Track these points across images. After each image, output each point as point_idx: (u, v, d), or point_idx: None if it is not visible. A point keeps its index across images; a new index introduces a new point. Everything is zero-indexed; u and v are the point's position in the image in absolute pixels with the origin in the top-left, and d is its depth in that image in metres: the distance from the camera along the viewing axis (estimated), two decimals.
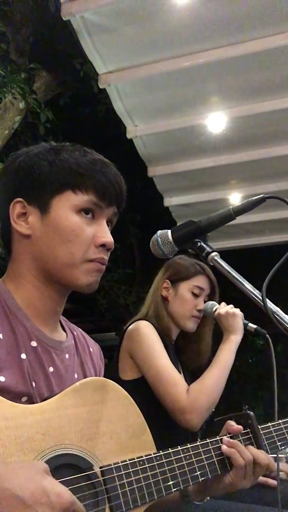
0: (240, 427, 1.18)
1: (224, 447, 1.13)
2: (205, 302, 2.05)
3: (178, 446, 1.08)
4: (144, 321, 1.93)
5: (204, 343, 2.10)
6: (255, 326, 1.91)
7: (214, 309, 1.98)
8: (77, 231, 1.04)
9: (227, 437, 1.16)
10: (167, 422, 1.79)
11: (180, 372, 1.94)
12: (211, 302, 2.02)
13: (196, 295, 2.02)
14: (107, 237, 1.07)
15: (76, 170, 1.06)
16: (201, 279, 2.04)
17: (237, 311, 1.93)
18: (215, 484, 1.15)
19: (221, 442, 1.15)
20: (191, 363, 2.10)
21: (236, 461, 1.12)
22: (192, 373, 2.04)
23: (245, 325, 1.92)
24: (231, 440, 1.15)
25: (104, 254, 1.08)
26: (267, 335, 1.79)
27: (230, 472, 1.13)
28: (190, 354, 2.10)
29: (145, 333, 1.88)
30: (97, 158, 1.09)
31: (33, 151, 1.09)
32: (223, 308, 1.95)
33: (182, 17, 2.86)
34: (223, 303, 1.99)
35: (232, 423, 1.19)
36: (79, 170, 1.06)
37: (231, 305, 1.97)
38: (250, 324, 1.93)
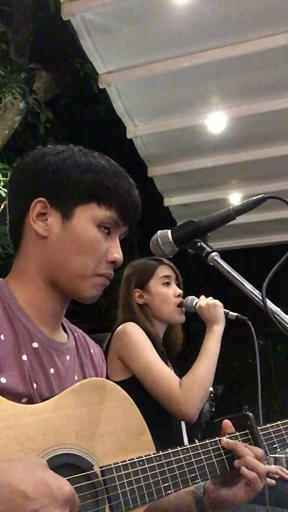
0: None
1: (237, 462, 1.11)
2: (181, 291, 2.08)
3: (178, 447, 1.08)
4: (131, 322, 1.96)
5: (175, 331, 2.15)
6: (235, 314, 1.98)
7: (194, 303, 2.02)
8: (95, 244, 1.05)
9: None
10: (160, 421, 1.80)
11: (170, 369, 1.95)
12: (190, 297, 2.06)
13: (167, 284, 2.06)
14: (119, 254, 1.09)
15: (104, 183, 1.06)
16: (162, 269, 2.07)
17: (217, 301, 1.98)
18: (228, 498, 1.14)
19: (220, 443, 1.14)
20: (172, 352, 2.14)
21: (247, 475, 1.09)
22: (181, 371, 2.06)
23: (226, 314, 1.98)
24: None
25: (112, 270, 1.10)
26: (249, 321, 1.84)
27: (237, 489, 1.12)
28: (169, 344, 2.14)
29: (132, 332, 1.91)
30: (124, 174, 1.11)
31: (63, 153, 1.08)
32: (203, 300, 1.99)
33: (182, 17, 2.86)
34: (202, 296, 2.03)
35: (229, 424, 1.18)
36: (108, 185, 1.06)
37: (211, 297, 2.02)
38: (231, 313, 1.99)
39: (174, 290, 2.06)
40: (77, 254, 1.04)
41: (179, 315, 2.05)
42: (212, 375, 1.85)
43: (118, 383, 1.81)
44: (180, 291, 2.06)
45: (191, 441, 1.98)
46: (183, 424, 2.04)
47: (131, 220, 1.12)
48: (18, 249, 1.10)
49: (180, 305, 2.04)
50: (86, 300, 1.09)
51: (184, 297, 2.07)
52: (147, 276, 2.06)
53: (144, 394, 1.81)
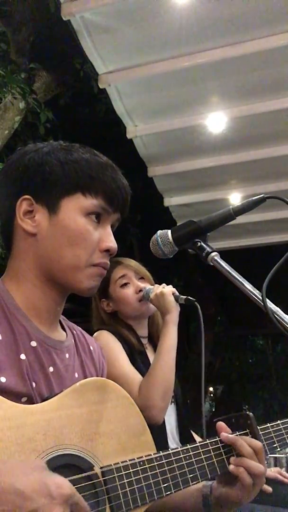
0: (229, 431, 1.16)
1: (231, 467, 1.10)
2: (143, 285, 2.03)
3: (178, 447, 1.08)
4: (102, 331, 1.95)
5: (153, 318, 2.10)
6: (184, 297, 1.90)
7: (150, 294, 1.96)
8: (84, 234, 1.04)
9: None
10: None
11: None
12: (147, 288, 1.99)
13: (125, 284, 2.01)
14: (112, 243, 1.08)
15: (87, 173, 1.06)
16: (117, 271, 2.03)
17: (165, 289, 1.91)
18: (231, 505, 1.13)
19: (220, 443, 1.14)
20: (155, 338, 2.10)
21: (244, 480, 1.09)
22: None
23: (176, 299, 1.90)
24: (237, 458, 1.11)
25: (107, 259, 1.09)
26: (196, 303, 1.79)
27: (237, 491, 1.11)
28: (153, 334, 2.11)
29: (103, 340, 1.87)
30: (107, 162, 1.10)
31: (43, 149, 1.08)
32: (154, 291, 1.93)
33: (182, 17, 2.86)
34: (156, 286, 1.97)
35: (225, 434, 1.14)
36: (91, 173, 1.06)
37: (163, 284, 1.95)
38: (181, 296, 1.91)
39: (134, 287, 2.01)
40: (68, 247, 1.04)
41: (145, 308, 2.00)
42: (172, 370, 1.81)
43: None
44: (142, 286, 2.00)
45: (184, 439, 1.97)
46: (172, 426, 2.01)
47: (121, 206, 1.11)
48: (11, 250, 1.10)
49: (141, 299, 1.99)
50: (84, 292, 1.08)
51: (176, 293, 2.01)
52: (105, 283, 2.01)
53: None
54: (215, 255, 1.16)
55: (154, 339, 2.10)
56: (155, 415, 1.75)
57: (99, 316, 2.08)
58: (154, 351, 2.07)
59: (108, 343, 1.88)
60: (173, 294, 1.91)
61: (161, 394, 1.77)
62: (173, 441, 1.98)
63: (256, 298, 1.10)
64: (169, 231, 1.20)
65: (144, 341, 2.07)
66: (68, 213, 1.04)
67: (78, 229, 1.04)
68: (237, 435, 1.15)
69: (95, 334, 1.94)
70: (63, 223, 1.04)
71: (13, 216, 1.07)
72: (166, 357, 1.83)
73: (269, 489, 1.94)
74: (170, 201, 4.86)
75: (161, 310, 1.91)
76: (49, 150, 1.08)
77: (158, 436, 1.91)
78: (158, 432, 1.93)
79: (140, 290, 2.00)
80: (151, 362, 1.97)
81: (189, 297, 1.89)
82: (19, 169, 1.07)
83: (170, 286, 1.94)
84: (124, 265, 2.05)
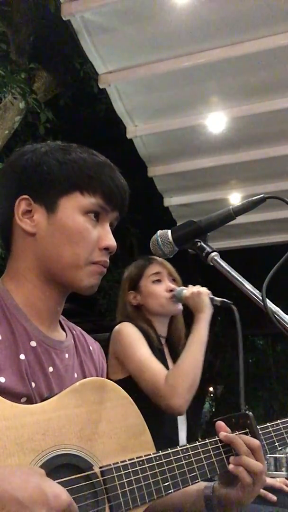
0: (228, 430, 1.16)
1: (231, 466, 1.11)
2: (174, 286, 2.08)
3: (177, 446, 1.08)
4: (125, 322, 1.99)
5: (177, 321, 2.15)
6: (220, 300, 1.94)
7: (183, 293, 2.02)
8: (83, 232, 1.05)
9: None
10: (158, 420, 1.80)
11: (168, 367, 1.95)
12: (179, 288, 2.05)
13: (158, 281, 2.07)
14: (111, 241, 1.08)
15: (85, 171, 1.06)
16: (152, 267, 2.09)
17: (202, 289, 1.98)
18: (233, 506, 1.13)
19: (220, 442, 1.14)
20: (176, 343, 2.14)
21: (244, 479, 1.09)
22: None
23: (212, 301, 1.96)
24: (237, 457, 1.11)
25: (106, 257, 1.09)
26: (233, 306, 1.82)
27: (236, 490, 1.11)
28: (172, 337, 2.14)
29: (126, 331, 1.94)
30: (105, 161, 1.10)
31: (41, 149, 1.09)
32: (189, 290, 1.99)
33: (182, 17, 2.87)
34: (190, 286, 2.03)
35: (224, 434, 1.14)
36: (88, 172, 1.06)
37: (198, 286, 2.01)
38: (216, 298, 1.96)
39: (166, 286, 2.06)
40: (67, 245, 1.04)
41: (172, 306, 2.05)
42: (200, 364, 1.84)
43: (117, 382, 1.84)
44: (172, 286, 2.06)
45: (191, 440, 1.98)
46: (181, 422, 2.03)
47: (119, 204, 1.11)
48: (10, 250, 1.11)
49: (171, 298, 2.04)
50: (84, 290, 1.08)
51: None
52: (137, 277, 2.09)
53: (141, 392, 1.82)
54: (215, 255, 1.16)
55: (173, 342, 2.14)
56: (180, 405, 1.77)
57: (124, 307, 2.11)
58: (170, 353, 2.11)
59: (131, 334, 1.93)
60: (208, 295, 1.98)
61: (188, 385, 1.79)
62: None
63: (256, 298, 1.10)
64: (169, 231, 1.20)
65: (162, 340, 2.10)
66: (66, 212, 1.05)
67: (77, 227, 1.04)
68: (236, 434, 1.15)
69: (117, 326, 1.98)
70: (61, 222, 1.04)
71: (12, 216, 1.07)
72: (196, 350, 1.86)
73: (273, 497, 1.93)
74: (170, 201, 4.86)
75: (196, 308, 1.95)
76: (47, 150, 1.08)
77: (171, 431, 1.92)
78: (170, 427, 1.95)
79: (171, 290, 2.05)
80: (167, 361, 2.02)
81: (225, 300, 1.92)
82: (17, 169, 1.08)
83: (205, 288, 2.00)
84: (160, 263, 2.10)
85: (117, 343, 1.94)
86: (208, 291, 1.98)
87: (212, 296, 1.98)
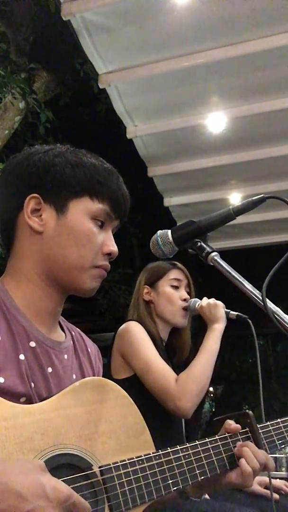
0: (238, 426, 1.18)
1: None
2: (188, 297, 2.12)
3: (177, 446, 1.08)
4: (134, 321, 2.01)
5: (185, 334, 2.18)
6: (236, 313, 2.00)
7: (197, 304, 2.06)
8: (90, 236, 1.07)
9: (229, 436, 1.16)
10: (162, 420, 1.81)
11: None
12: (193, 299, 2.09)
13: (176, 287, 2.11)
14: (114, 247, 1.11)
15: (96, 177, 1.09)
16: (175, 272, 2.13)
17: (218, 301, 2.02)
18: (213, 482, 1.16)
19: (220, 441, 1.14)
20: (178, 358, 2.18)
21: (244, 466, 1.12)
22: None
23: (227, 314, 2.01)
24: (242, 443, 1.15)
25: (108, 262, 1.12)
26: (249, 320, 1.88)
27: (229, 472, 1.14)
28: (175, 348, 2.18)
29: (134, 330, 1.95)
30: (112, 169, 1.13)
31: (52, 150, 1.11)
32: (205, 301, 2.03)
33: (182, 17, 2.86)
34: (204, 298, 2.07)
35: (230, 422, 1.19)
36: (99, 178, 1.09)
37: (213, 298, 2.05)
38: (232, 312, 2.01)
39: (181, 293, 2.10)
40: (74, 247, 1.06)
41: (181, 317, 2.08)
42: (210, 372, 1.87)
43: (121, 381, 1.84)
44: (187, 296, 2.09)
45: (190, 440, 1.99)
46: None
47: (123, 213, 1.15)
48: (12, 249, 1.11)
49: (184, 308, 2.07)
50: (85, 292, 1.10)
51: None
52: (158, 275, 2.12)
53: (147, 392, 1.82)
54: (215, 255, 1.16)
55: (174, 352, 2.16)
56: (188, 407, 1.79)
57: (137, 299, 2.14)
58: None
59: (139, 333, 1.95)
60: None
61: (198, 389, 1.81)
62: None
63: (256, 298, 1.10)
64: (169, 231, 1.21)
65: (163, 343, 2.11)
66: (76, 214, 1.07)
67: (85, 231, 1.07)
68: (237, 434, 1.15)
69: (124, 324, 2.00)
70: (70, 224, 1.06)
71: (17, 214, 1.08)
72: (208, 356, 1.90)
73: (276, 496, 1.94)
74: (170, 201, 4.85)
75: (211, 318, 1.98)
76: (58, 153, 1.10)
77: (178, 430, 1.93)
78: (178, 426, 1.95)
79: (185, 300, 2.08)
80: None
81: (240, 314, 1.98)
82: (28, 167, 1.08)
83: (220, 302, 2.04)
84: (183, 271, 2.15)
85: (124, 341, 1.95)
86: (223, 304, 2.02)
87: (227, 310, 2.01)
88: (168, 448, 1.06)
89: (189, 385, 1.79)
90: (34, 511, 0.72)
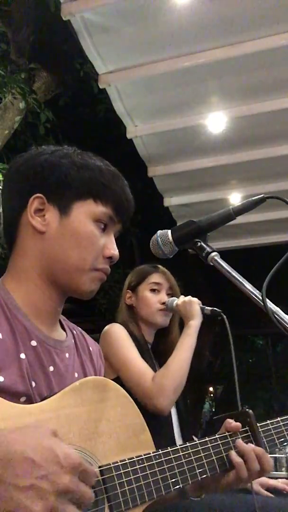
0: (239, 424, 1.18)
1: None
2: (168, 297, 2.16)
3: (177, 445, 1.08)
4: (116, 324, 2.05)
5: (172, 336, 2.19)
6: (210, 308, 2.03)
7: (174, 303, 2.09)
8: (92, 238, 1.08)
9: (228, 435, 1.16)
10: (148, 417, 1.80)
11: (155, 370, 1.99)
12: (171, 299, 2.12)
13: (155, 291, 2.14)
14: (115, 251, 1.11)
15: (101, 180, 1.09)
16: (155, 276, 2.16)
17: (193, 298, 2.05)
18: (213, 482, 1.16)
19: (220, 440, 1.15)
20: (165, 359, 2.14)
21: (241, 472, 1.13)
22: None
23: (202, 310, 2.04)
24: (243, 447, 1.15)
25: (108, 265, 1.12)
26: (223, 314, 1.89)
27: (229, 473, 1.14)
28: (163, 348, 2.18)
29: (114, 331, 2.00)
30: (118, 173, 1.14)
31: (58, 151, 1.11)
32: (180, 299, 2.07)
33: (182, 17, 2.87)
34: (181, 296, 2.11)
35: (230, 420, 1.19)
36: (104, 181, 1.09)
37: (189, 296, 2.08)
38: (207, 308, 2.04)
39: (160, 297, 2.12)
40: (75, 248, 1.06)
41: (160, 317, 2.11)
42: (187, 368, 1.90)
43: None
44: (165, 299, 2.12)
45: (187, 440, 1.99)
46: (175, 426, 2.03)
47: (126, 217, 1.15)
48: (14, 248, 1.11)
49: (162, 310, 2.11)
50: (84, 294, 1.10)
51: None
52: (138, 280, 2.16)
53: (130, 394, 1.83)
54: (215, 255, 1.17)
55: (159, 352, 2.16)
56: (165, 405, 1.82)
57: (121, 303, 2.19)
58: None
59: (118, 334, 1.99)
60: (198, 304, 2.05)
61: (174, 386, 1.84)
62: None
63: (256, 298, 1.10)
64: (169, 231, 1.21)
65: (148, 345, 2.13)
66: (79, 216, 1.07)
67: (87, 233, 1.07)
68: (237, 433, 1.15)
69: (106, 327, 2.04)
70: (73, 225, 1.07)
71: (21, 213, 1.08)
72: (184, 353, 1.93)
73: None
74: (170, 201, 4.86)
75: (186, 315, 2.02)
76: (65, 154, 1.10)
77: (165, 436, 1.93)
78: (166, 430, 1.96)
79: (163, 303, 2.11)
80: (155, 365, 2.05)
81: (215, 308, 2.01)
82: (33, 167, 1.09)
83: (196, 298, 2.08)
84: (163, 274, 2.17)
85: (105, 342, 1.98)
86: (199, 301, 2.05)
87: (202, 306, 2.04)
88: (168, 447, 1.06)
89: (165, 382, 1.82)
90: (48, 476, 0.73)
